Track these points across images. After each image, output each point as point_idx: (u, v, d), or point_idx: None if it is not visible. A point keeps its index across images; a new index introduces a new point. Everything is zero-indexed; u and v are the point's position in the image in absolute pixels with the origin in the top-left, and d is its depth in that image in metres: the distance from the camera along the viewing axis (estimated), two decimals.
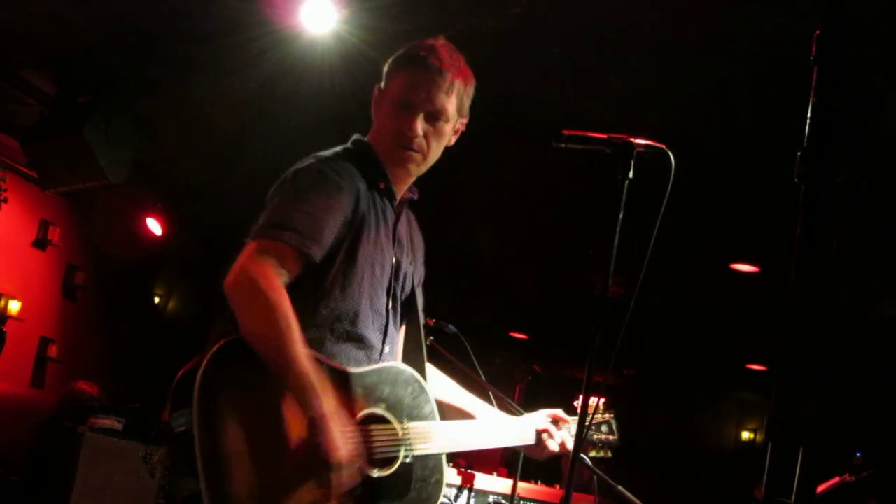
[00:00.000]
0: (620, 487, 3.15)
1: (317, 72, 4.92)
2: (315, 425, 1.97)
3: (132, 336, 8.59)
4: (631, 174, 2.19)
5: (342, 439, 2.00)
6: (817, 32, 1.50)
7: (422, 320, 2.49)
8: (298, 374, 1.98)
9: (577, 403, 2.72)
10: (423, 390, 2.35)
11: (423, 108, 2.34)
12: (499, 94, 4.81)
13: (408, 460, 2.22)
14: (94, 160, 5.60)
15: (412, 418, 2.28)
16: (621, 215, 2.14)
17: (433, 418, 2.36)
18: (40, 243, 7.43)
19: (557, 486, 6.45)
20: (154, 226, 8.07)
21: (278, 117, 5.63)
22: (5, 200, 6.23)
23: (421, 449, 2.27)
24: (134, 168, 5.95)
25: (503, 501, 5.27)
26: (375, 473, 2.14)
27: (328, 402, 1.99)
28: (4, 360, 6.39)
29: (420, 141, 2.35)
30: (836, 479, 5.23)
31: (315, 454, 1.98)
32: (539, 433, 2.65)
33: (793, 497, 1.37)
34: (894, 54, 3.77)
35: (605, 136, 2.25)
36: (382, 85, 2.43)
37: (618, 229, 2.14)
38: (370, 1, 4.30)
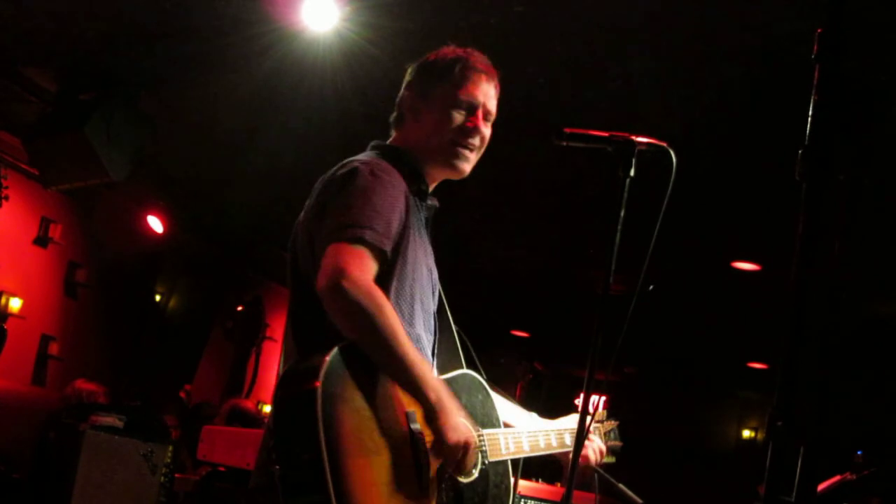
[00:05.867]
0: (621, 485, 3.16)
1: (318, 69, 4.92)
2: (433, 414, 2.05)
3: (133, 334, 8.59)
4: (632, 172, 2.19)
5: (461, 424, 2.10)
6: (819, 30, 1.50)
7: (453, 324, 2.50)
8: (414, 370, 2.03)
9: (578, 402, 2.73)
10: (488, 396, 2.44)
11: (483, 109, 2.40)
12: (500, 91, 4.81)
13: (485, 467, 2.27)
14: (96, 158, 5.59)
15: (484, 425, 2.34)
16: (622, 213, 2.14)
17: (499, 425, 2.44)
18: (41, 241, 7.41)
19: (558, 484, 6.44)
20: (155, 223, 8.06)
21: (280, 115, 5.62)
22: (6, 198, 6.22)
23: (495, 455, 2.33)
24: (135, 166, 5.94)
25: None
26: (462, 479, 2.19)
27: (444, 394, 2.08)
28: (5, 358, 6.37)
29: (479, 140, 2.40)
30: (838, 478, 5.22)
31: (435, 440, 2.06)
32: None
33: (794, 496, 1.37)
34: None
35: (606, 134, 2.25)
36: (422, 89, 2.42)
37: (619, 227, 2.14)
38: None
